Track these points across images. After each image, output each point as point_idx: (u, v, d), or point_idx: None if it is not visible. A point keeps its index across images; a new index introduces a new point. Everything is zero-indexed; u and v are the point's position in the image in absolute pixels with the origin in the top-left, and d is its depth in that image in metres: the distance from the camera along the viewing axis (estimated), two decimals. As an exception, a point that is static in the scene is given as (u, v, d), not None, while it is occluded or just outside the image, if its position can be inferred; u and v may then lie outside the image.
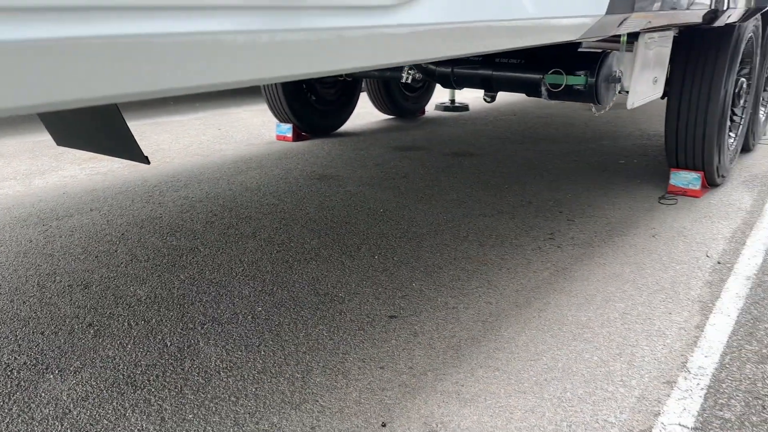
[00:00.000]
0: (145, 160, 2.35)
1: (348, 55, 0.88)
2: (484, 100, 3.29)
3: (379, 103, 6.25)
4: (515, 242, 3.01)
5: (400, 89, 6.21)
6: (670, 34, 2.88)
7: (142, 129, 5.62)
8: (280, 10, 0.75)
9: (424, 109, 6.72)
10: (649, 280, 2.61)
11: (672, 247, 2.97)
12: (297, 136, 5.27)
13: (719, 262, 2.80)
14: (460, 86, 2.56)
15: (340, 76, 5.13)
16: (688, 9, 2.27)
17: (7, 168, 4.32)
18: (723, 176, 3.96)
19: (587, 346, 2.09)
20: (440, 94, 7.42)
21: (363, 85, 5.97)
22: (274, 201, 3.59)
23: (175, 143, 5.10)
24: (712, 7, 2.63)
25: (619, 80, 2.33)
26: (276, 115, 5.27)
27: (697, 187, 3.76)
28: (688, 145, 3.68)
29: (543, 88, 2.31)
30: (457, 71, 2.50)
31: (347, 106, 5.70)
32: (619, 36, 2.41)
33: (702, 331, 2.21)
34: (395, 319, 2.26)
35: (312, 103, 5.32)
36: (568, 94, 2.29)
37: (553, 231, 3.17)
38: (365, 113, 6.45)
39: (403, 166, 4.43)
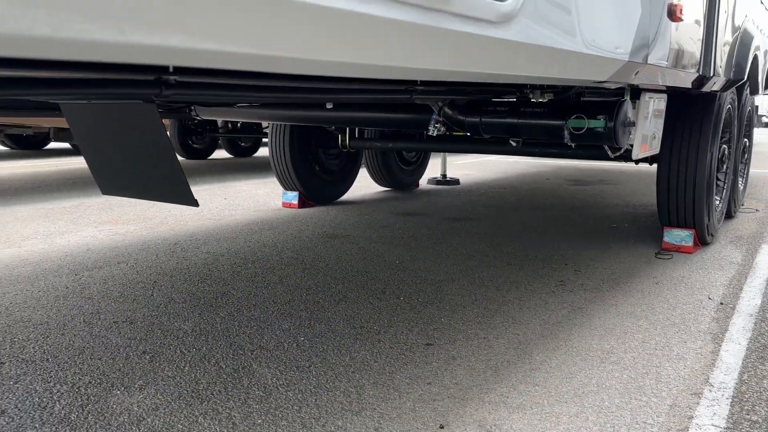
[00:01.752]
0: (195, 203, 2.52)
1: (460, 55, 1.10)
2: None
3: (377, 176, 6.55)
4: (529, 287, 3.19)
5: (396, 162, 6.53)
6: (664, 97, 3.20)
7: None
8: (425, 9, 0.97)
9: (418, 182, 7.02)
10: (660, 317, 2.80)
11: (676, 291, 3.18)
12: (302, 204, 5.49)
13: (722, 303, 3.01)
14: (488, 134, 2.82)
15: (344, 146, 5.42)
16: (683, 70, 2.59)
17: (26, 229, 4.43)
18: (712, 235, 4.24)
19: (615, 367, 2.25)
20: (432, 170, 7.76)
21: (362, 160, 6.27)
22: (293, 255, 3.75)
23: (185, 210, 5.27)
24: (700, 72, 2.97)
25: (633, 124, 2.60)
26: (282, 184, 5.51)
27: (690, 243, 4.02)
28: (680, 204, 3.96)
29: (566, 132, 2.57)
30: (485, 120, 2.76)
31: (349, 177, 5.97)
32: (622, 93, 2.71)
33: (717, 355, 2.38)
34: (432, 346, 2.40)
35: (317, 173, 5.58)
36: (589, 136, 2.55)
37: (562, 279, 3.37)
38: (362, 186, 6.72)
39: (408, 228, 4.64)
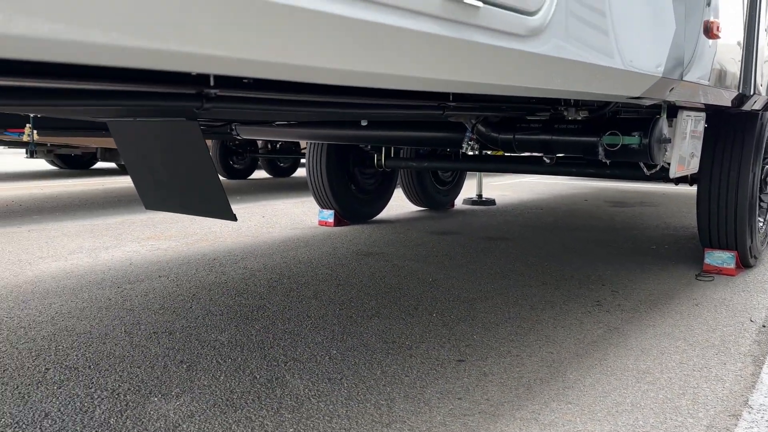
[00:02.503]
0: (234, 217, 2.59)
1: (488, 68, 1.12)
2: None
3: (412, 195, 6.58)
4: (564, 307, 3.17)
5: (432, 182, 6.56)
6: (703, 115, 3.17)
7: (191, 216, 5.93)
8: (452, 22, 1.01)
9: (453, 202, 7.03)
10: (699, 338, 2.74)
11: (716, 313, 3.11)
12: (338, 222, 5.55)
13: (764, 326, 2.93)
14: (522, 151, 2.83)
15: (380, 166, 5.49)
16: (721, 88, 2.57)
17: (71, 244, 4.59)
18: (756, 257, 4.13)
19: (651, 387, 2.21)
20: (468, 191, 7.76)
21: (397, 180, 6.32)
22: (328, 271, 3.80)
23: (224, 227, 5.38)
24: (740, 90, 2.93)
25: (668, 141, 2.58)
26: (319, 202, 5.59)
27: (732, 265, 3.93)
28: (721, 225, 3.88)
29: (600, 149, 2.56)
30: (518, 137, 2.77)
31: (384, 196, 6.02)
32: (659, 111, 2.70)
33: (758, 378, 2.32)
34: (463, 362, 2.40)
35: (353, 192, 5.65)
36: (624, 153, 2.54)
37: (599, 299, 3.33)
38: (397, 206, 6.76)
39: (442, 246, 4.65)
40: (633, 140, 2.49)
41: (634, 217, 6.36)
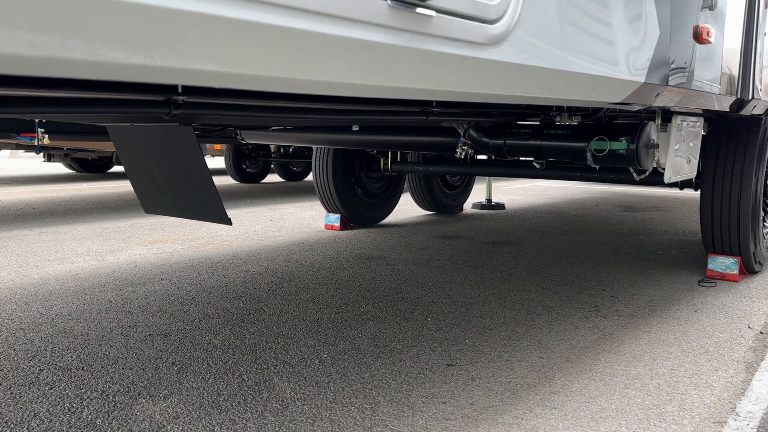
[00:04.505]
0: (228, 221, 2.62)
1: (448, 76, 1.14)
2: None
3: (420, 199, 6.59)
4: (561, 312, 3.16)
5: (440, 186, 6.56)
6: (700, 120, 3.15)
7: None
8: (404, 32, 1.03)
9: (462, 207, 7.02)
10: (694, 344, 2.72)
11: (714, 319, 3.09)
12: (344, 226, 5.58)
13: (762, 332, 2.90)
14: (512, 156, 2.83)
15: (386, 170, 5.51)
16: (716, 93, 2.55)
17: (80, 246, 4.66)
18: (760, 264, 4.09)
19: (638, 393, 2.20)
20: (477, 194, 7.75)
21: (405, 184, 6.34)
22: (328, 275, 3.82)
23: (231, 231, 5.44)
24: (738, 95, 2.91)
25: (657, 146, 2.57)
26: (325, 206, 5.62)
27: (735, 271, 3.89)
28: (724, 230, 3.85)
29: (588, 154, 2.56)
30: (509, 142, 2.78)
31: (391, 200, 6.04)
32: (653, 114, 2.69)
33: (749, 385, 2.30)
34: (452, 366, 2.41)
35: (359, 196, 5.67)
36: (612, 158, 2.54)
37: (597, 305, 3.31)
38: (405, 210, 6.78)
39: (446, 251, 4.65)
40: (620, 145, 2.48)
41: (643, 222, 6.31)
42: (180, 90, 1.22)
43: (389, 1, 0.96)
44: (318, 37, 0.91)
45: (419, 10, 1.01)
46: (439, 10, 1.06)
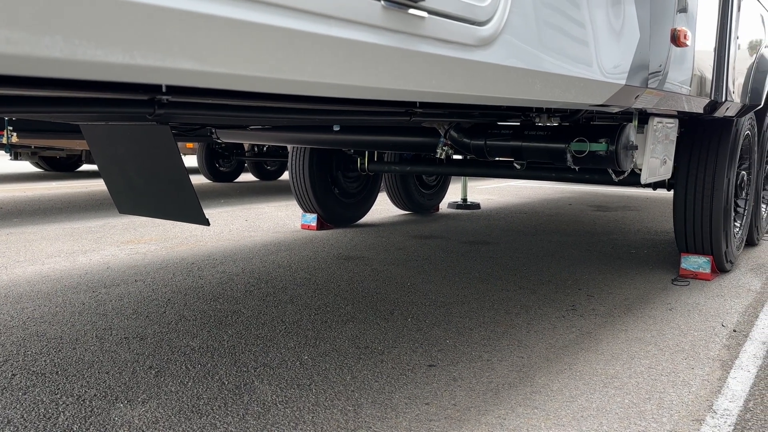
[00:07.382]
0: (206, 222, 2.58)
1: (437, 77, 1.13)
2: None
3: (397, 199, 6.59)
4: (539, 311, 3.18)
5: (416, 186, 6.57)
6: (676, 122, 3.20)
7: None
8: (397, 33, 1.01)
9: (438, 206, 7.04)
10: (669, 343, 2.76)
11: (689, 318, 3.14)
12: (321, 226, 5.55)
13: (735, 330, 2.96)
14: (493, 156, 2.84)
15: (363, 169, 5.50)
16: (691, 95, 2.59)
17: (50, 248, 4.56)
18: (731, 262, 4.17)
19: (618, 391, 2.22)
20: (452, 194, 7.78)
21: (381, 183, 6.33)
22: (306, 275, 3.80)
23: (206, 231, 5.37)
24: (711, 97, 2.96)
25: (635, 147, 2.60)
26: (302, 206, 5.58)
27: (708, 270, 3.96)
28: (696, 230, 3.92)
29: (568, 155, 2.58)
30: (489, 143, 2.79)
31: (368, 200, 6.03)
32: (630, 117, 2.72)
33: (724, 382, 2.34)
34: (434, 367, 2.40)
35: (336, 196, 5.65)
36: (591, 159, 2.56)
37: (574, 304, 3.34)
38: (381, 209, 6.77)
39: (423, 250, 4.66)
40: (600, 147, 2.51)
41: (615, 222, 6.39)
42: (164, 89, 1.19)
43: (382, 2, 0.95)
44: (312, 37, 0.90)
45: (412, 11, 1.01)
46: (430, 12, 1.05)
